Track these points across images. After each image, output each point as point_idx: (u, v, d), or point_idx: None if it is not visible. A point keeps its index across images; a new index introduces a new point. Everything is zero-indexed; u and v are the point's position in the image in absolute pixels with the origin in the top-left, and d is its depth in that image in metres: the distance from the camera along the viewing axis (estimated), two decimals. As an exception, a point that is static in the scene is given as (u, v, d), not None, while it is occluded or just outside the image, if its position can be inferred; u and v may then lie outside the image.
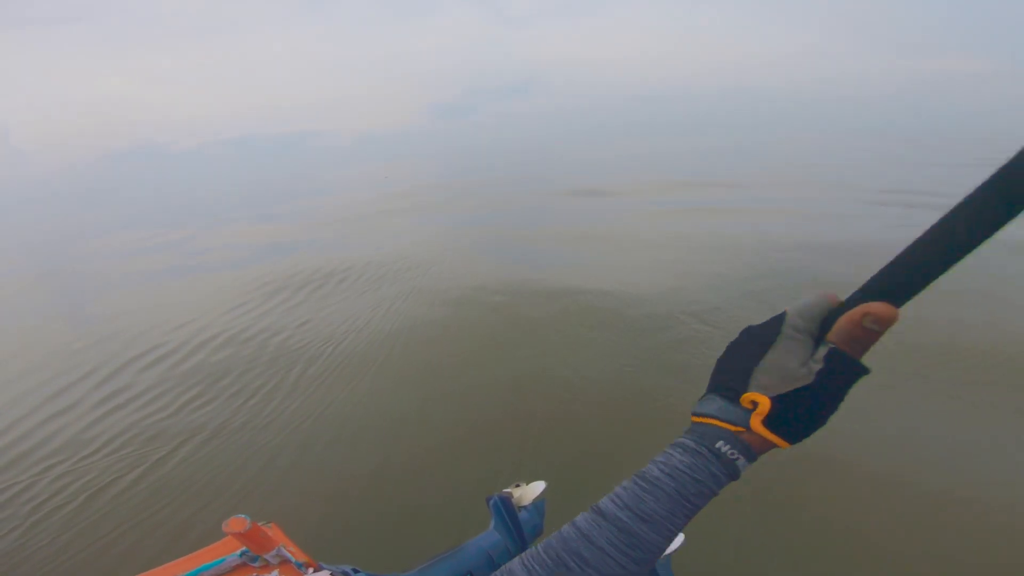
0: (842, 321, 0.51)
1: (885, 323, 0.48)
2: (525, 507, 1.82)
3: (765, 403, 0.52)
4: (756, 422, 0.52)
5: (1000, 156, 0.43)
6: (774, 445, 0.53)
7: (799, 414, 0.52)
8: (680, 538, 1.80)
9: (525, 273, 7.33)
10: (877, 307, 0.48)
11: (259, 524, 1.61)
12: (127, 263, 12.63)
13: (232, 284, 8.67)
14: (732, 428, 0.53)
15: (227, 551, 1.68)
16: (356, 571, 1.45)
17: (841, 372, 0.50)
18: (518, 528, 1.75)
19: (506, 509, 1.75)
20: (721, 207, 11.51)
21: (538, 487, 1.88)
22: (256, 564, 1.65)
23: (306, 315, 6.64)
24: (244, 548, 1.63)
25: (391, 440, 3.85)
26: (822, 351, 0.51)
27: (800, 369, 0.52)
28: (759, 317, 0.57)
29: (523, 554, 0.55)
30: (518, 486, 1.88)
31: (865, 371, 0.51)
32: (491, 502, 1.77)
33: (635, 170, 21.40)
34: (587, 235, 9.65)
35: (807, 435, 0.53)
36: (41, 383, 5.48)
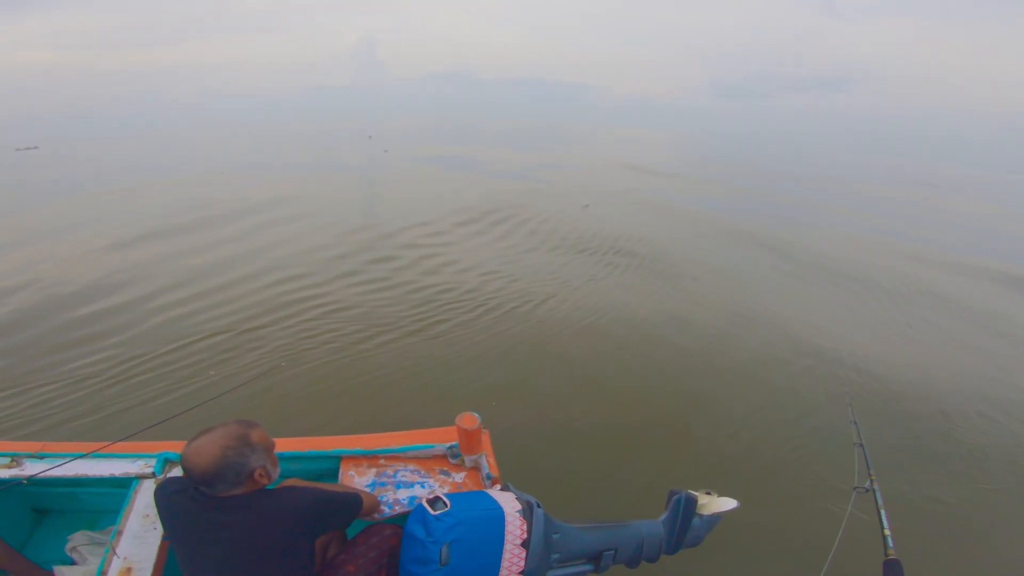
0: None
1: None
2: (701, 516, 1.77)
3: None
4: None
5: None
6: None
7: None
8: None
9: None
10: None
11: (482, 428, 1.81)
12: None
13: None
14: None
15: (441, 439, 1.92)
16: (539, 505, 1.52)
17: None
18: (683, 531, 1.73)
19: (685, 509, 1.73)
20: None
21: (727, 504, 1.80)
22: (454, 461, 1.91)
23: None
24: (455, 443, 1.87)
25: (628, 404, 3.82)
26: None
27: None
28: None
29: None
30: (709, 494, 1.83)
31: None
32: (675, 497, 1.75)
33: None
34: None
35: None
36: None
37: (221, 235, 7.39)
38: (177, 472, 1.68)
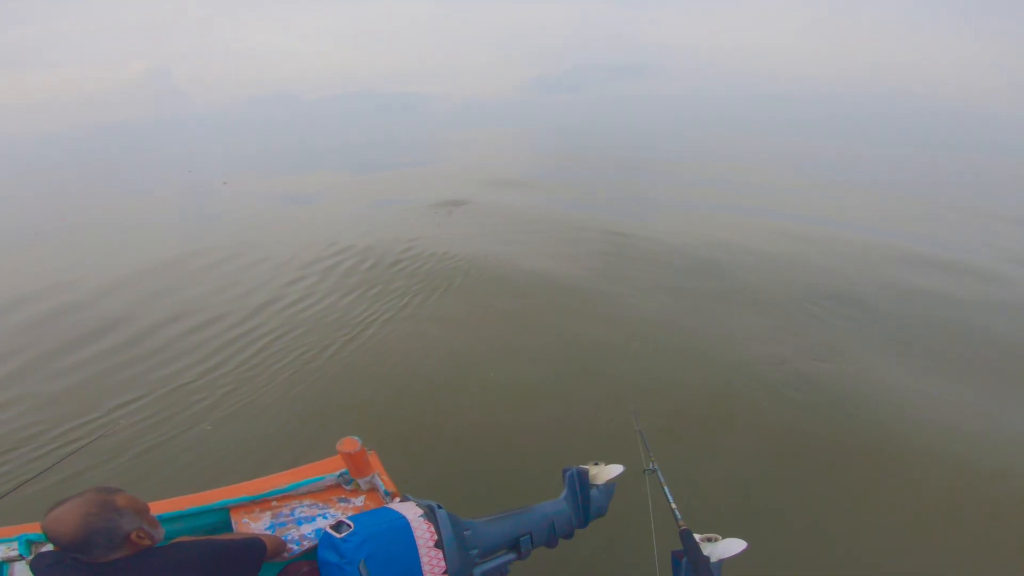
0: None
1: None
2: (597, 486, 1.91)
3: None
4: None
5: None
6: None
7: None
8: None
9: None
10: None
11: (366, 449, 1.84)
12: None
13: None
14: None
15: (329, 470, 1.91)
16: (440, 507, 1.58)
17: None
18: (586, 504, 1.86)
19: (580, 483, 1.86)
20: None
21: (615, 470, 1.96)
22: (348, 487, 1.90)
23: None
24: (344, 470, 1.87)
25: (502, 399, 4.03)
26: None
27: None
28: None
29: None
30: (596, 464, 1.98)
31: None
32: (567, 474, 1.89)
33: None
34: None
35: None
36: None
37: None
38: (46, 548, 1.48)
